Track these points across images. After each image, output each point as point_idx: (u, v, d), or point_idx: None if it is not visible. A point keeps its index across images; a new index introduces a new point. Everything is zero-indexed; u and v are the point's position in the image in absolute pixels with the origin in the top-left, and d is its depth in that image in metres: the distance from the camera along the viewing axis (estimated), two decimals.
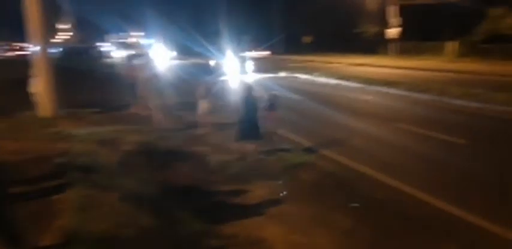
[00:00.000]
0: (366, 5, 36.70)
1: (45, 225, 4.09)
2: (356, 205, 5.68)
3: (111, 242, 3.96)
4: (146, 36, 55.01)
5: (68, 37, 53.61)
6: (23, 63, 13.74)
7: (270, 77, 22.17)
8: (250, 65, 25.05)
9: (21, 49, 45.23)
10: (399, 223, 5.17)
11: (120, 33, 50.14)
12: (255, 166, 7.26)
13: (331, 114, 12.12)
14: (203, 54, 36.34)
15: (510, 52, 25.65)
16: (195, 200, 5.79)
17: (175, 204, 5.35)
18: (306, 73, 23.26)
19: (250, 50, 44.91)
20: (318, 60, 34.04)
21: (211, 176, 6.78)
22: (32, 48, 11.24)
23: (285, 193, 6.12)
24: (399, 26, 30.32)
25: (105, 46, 50.16)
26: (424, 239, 4.74)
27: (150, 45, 54.14)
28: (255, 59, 29.70)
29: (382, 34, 34.23)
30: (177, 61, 35.99)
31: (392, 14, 31.05)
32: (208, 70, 23.72)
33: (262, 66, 25.76)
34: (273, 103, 7.92)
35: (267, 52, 41.71)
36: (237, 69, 23.60)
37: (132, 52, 42.47)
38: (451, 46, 28.98)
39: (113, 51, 44.04)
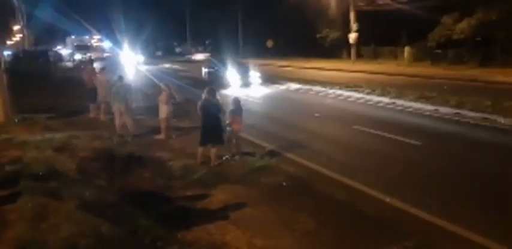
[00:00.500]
0: (328, 10, 37.50)
1: None
2: (317, 205, 5.78)
3: None
4: (104, 39, 53.70)
5: (19, 38, 51.35)
6: None
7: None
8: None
9: None
10: (359, 223, 5.30)
11: (80, 36, 48.58)
12: (218, 171, 7.24)
13: (292, 117, 12.28)
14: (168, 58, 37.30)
15: (461, 57, 26.98)
16: (156, 206, 5.68)
17: (136, 211, 5.23)
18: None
19: (194, 53, 45.58)
20: (278, 64, 34.46)
21: (173, 182, 6.70)
22: None
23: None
24: (357, 31, 31.21)
25: (65, 49, 48.50)
26: (382, 238, 4.88)
27: (110, 48, 52.87)
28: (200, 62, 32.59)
29: (343, 39, 35.07)
30: (146, 67, 33.83)
31: (351, 20, 31.90)
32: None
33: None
34: (238, 108, 7.92)
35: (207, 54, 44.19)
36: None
37: (93, 55, 41.34)
38: (407, 51, 30.11)
39: (73, 54, 42.59)
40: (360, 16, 31.85)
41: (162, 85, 9.76)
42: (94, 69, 14.00)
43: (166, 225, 4.95)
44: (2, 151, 7.03)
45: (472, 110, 11.86)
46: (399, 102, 14.02)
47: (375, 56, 34.34)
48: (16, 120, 10.54)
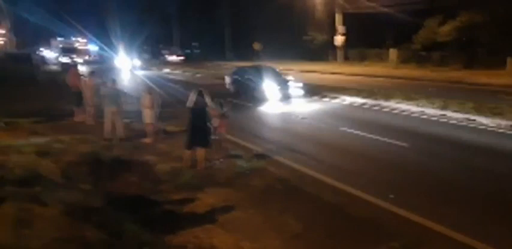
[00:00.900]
0: (314, 12, 37.75)
1: None
2: (305, 207, 5.78)
3: None
4: (90, 42, 53.09)
5: (2, 42, 50.41)
6: None
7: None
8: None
9: None
10: (347, 224, 5.32)
11: (65, 38, 47.91)
12: (206, 174, 7.20)
13: (280, 120, 12.30)
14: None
15: (445, 59, 27.39)
16: (143, 210, 5.62)
17: (122, 215, 5.16)
18: None
19: (167, 55, 45.32)
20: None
21: (160, 186, 6.63)
22: None
23: None
24: (343, 34, 31.48)
25: (50, 52, 47.77)
26: (370, 239, 4.90)
27: (96, 52, 52.24)
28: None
29: (329, 41, 35.32)
30: (143, 72, 31.07)
31: (338, 22, 32.16)
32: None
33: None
34: (226, 111, 7.90)
35: (181, 58, 45.63)
36: None
37: (79, 58, 40.74)
38: (393, 53, 30.46)
39: (58, 57, 41.89)
40: (346, 19, 32.17)
41: (144, 88, 9.68)
42: (79, 72, 13.83)
43: (153, 229, 4.90)
44: None
45: (457, 111, 12.02)
46: (385, 103, 14.15)
47: (362, 58, 34.64)
48: (3, 125, 10.34)
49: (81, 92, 12.12)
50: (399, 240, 4.80)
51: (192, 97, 7.54)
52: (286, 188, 6.57)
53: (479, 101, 12.98)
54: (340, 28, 31.74)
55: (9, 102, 13.40)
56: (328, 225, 5.32)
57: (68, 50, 43.14)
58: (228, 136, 8.86)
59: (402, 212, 5.57)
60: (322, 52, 38.86)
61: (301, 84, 16.14)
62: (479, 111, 11.82)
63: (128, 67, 33.33)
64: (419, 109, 12.88)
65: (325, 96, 16.23)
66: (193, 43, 57.06)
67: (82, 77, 13.03)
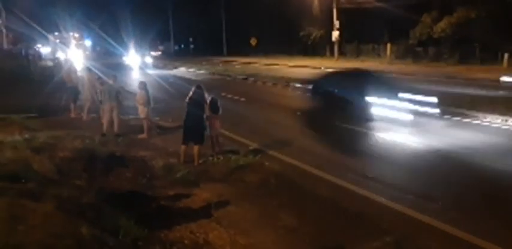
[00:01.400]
0: (311, 8, 37.69)
1: None
2: (300, 202, 5.79)
3: None
4: (85, 37, 52.70)
5: None
6: None
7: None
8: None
9: None
10: (342, 219, 5.33)
11: (60, 33, 47.43)
12: (201, 169, 7.19)
13: (275, 115, 12.28)
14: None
15: (440, 55, 27.45)
16: (138, 206, 5.61)
17: (117, 211, 5.14)
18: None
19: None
20: (263, 62, 34.45)
21: (155, 181, 6.62)
22: None
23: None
24: (338, 29, 31.46)
25: (47, 48, 47.34)
26: (364, 234, 4.91)
27: (93, 47, 51.84)
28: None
29: (326, 36, 35.27)
30: (156, 72, 28.19)
31: (334, 17, 32.11)
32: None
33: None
34: (217, 106, 7.87)
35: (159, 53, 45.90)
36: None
37: (75, 53, 40.26)
38: (389, 49, 30.47)
39: (55, 52, 41.45)
40: (342, 14, 32.13)
41: (139, 84, 9.63)
42: (74, 67, 13.76)
43: (148, 225, 4.88)
44: None
45: (451, 106, 12.01)
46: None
47: (358, 54, 34.65)
48: None
49: (77, 88, 12.07)
50: (394, 234, 4.82)
51: (190, 93, 7.54)
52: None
53: (475, 96, 13.00)
54: (336, 23, 31.71)
55: (4, 97, 13.31)
56: (323, 220, 5.32)
57: (64, 45, 42.70)
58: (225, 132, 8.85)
59: (399, 207, 5.57)
60: (319, 47, 38.84)
61: (434, 100, 10.83)
62: (474, 106, 11.82)
63: (138, 65, 31.50)
64: None
65: None
66: (189, 39, 56.88)
67: (78, 73, 12.97)
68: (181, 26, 53.50)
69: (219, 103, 7.90)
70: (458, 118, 10.95)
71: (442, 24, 26.51)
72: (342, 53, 34.88)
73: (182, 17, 51.11)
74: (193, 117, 7.51)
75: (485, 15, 24.49)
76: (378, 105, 10.56)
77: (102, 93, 9.79)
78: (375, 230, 4.97)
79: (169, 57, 45.34)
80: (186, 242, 4.71)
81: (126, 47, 38.82)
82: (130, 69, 30.46)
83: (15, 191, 4.72)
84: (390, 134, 9.41)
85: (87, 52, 47.37)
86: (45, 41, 47.56)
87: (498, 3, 23.97)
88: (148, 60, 34.91)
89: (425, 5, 27.63)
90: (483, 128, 10.02)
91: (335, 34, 31.86)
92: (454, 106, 11.71)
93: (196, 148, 7.47)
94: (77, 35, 50.00)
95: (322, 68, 25.64)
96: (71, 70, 13.06)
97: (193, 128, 7.48)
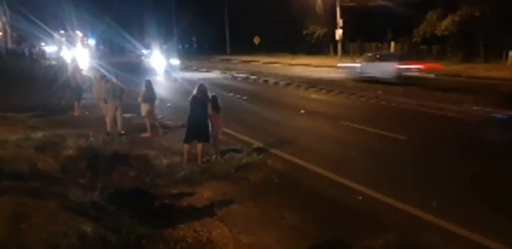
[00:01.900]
0: (314, 6, 37.61)
1: None
2: (303, 201, 5.78)
3: None
4: (89, 36, 52.80)
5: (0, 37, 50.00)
6: None
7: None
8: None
9: None
10: (345, 217, 5.32)
11: (66, 32, 47.41)
12: (204, 168, 7.19)
13: (278, 114, 12.26)
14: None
15: (444, 53, 27.34)
16: (141, 204, 5.62)
17: (121, 209, 5.15)
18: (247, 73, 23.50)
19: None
20: (264, 60, 34.42)
21: (158, 180, 6.62)
22: None
23: None
24: (341, 27, 31.37)
25: (52, 47, 47.36)
26: (367, 231, 4.89)
27: (96, 46, 51.90)
28: None
29: (329, 35, 35.19)
30: (186, 74, 24.05)
31: (337, 16, 32.00)
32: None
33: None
34: (218, 104, 7.86)
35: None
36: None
37: (81, 52, 40.16)
38: (392, 47, 30.37)
39: (59, 51, 41.39)
40: (346, 12, 31.99)
41: (143, 82, 9.63)
42: (78, 66, 13.78)
43: (152, 223, 4.89)
44: None
45: (455, 104, 11.98)
46: (384, 96, 14.12)
47: (361, 52, 34.56)
48: None
49: (81, 87, 12.10)
50: (397, 232, 4.80)
51: (194, 91, 7.54)
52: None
53: (478, 94, 12.93)
54: (339, 21, 31.62)
55: (8, 96, 13.36)
56: (326, 218, 5.31)
57: (70, 44, 42.52)
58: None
59: (401, 205, 5.57)
60: (322, 46, 38.76)
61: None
62: (478, 104, 11.76)
63: (163, 68, 26.64)
64: (418, 102, 12.84)
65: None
66: (193, 38, 56.85)
67: (82, 72, 13.00)
68: (184, 25, 53.51)
69: (219, 101, 7.90)
70: None
71: (446, 22, 26.37)
72: (346, 52, 34.80)
73: (185, 16, 51.10)
74: (197, 116, 7.50)
75: (490, 13, 24.35)
76: None
77: (106, 92, 9.80)
78: (379, 229, 4.95)
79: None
80: (189, 240, 4.72)
81: (142, 46, 36.89)
82: (154, 72, 25.14)
83: (19, 190, 4.74)
84: None
85: (91, 51, 47.43)
86: (50, 39, 47.58)
87: (502, 1, 23.81)
88: (175, 61, 29.20)
89: (429, 2, 27.50)
90: None
91: (338, 32, 31.75)
92: None
93: (200, 146, 7.46)
94: (80, 34, 50.09)
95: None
96: (76, 70, 13.09)
97: (198, 127, 7.47)
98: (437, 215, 5.21)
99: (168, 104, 9.94)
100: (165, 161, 7.42)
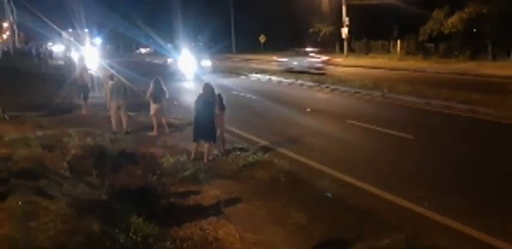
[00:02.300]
0: (320, 4, 37.46)
1: None
2: (309, 199, 5.78)
3: None
4: (97, 35, 52.87)
5: (6, 36, 50.12)
6: None
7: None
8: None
9: None
10: (351, 216, 5.31)
11: (75, 30, 47.36)
12: (211, 167, 7.22)
13: (285, 112, 12.26)
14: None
15: (451, 51, 27.14)
16: (148, 203, 5.66)
17: (128, 208, 5.20)
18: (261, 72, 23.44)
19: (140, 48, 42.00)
20: (270, 59, 34.30)
21: (165, 178, 6.65)
22: None
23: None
24: (347, 25, 31.25)
25: (59, 46, 47.46)
26: (374, 231, 4.89)
27: (102, 45, 51.94)
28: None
29: (335, 33, 35.04)
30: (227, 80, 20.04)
31: (343, 14, 31.89)
32: None
33: None
34: (223, 103, 7.89)
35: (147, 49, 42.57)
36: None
37: (89, 51, 40.04)
38: (399, 45, 30.20)
39: (68, 50, 41.31)
40: (352, 10, 31.86)
41: (152, 79, 9.64)
42: (85, 66, 13.86)
43: (159, 222, 4.92)
44: None
45: (462, 103, 11.91)
46: (390, 95, 14.06)
47: (367, 50, 34.41)
48: (7, 118, 10.42)
49: (88, 86, 12.19)
50: (403, 232, 4.80)
51: (201, 91, 7.56)
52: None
53: (485, 92, 12.86)
54: (345, 20, 31.51)
55: (16, 95, 13.47)
56: (332, 217, 5.31)
57: (79, 43, 42.21)
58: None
59: (407, 204, 5.56)
60: (328, 44, 38.60)
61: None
62: (485, 103, 11.71)
63: (193, 71, 22.10)
64: (424, 100, 12.78)
65: None
66: (199, 37, 56.85)
67: (89, 71, 13.08)
68: (189, 24, 53.51)
69: (224, 100, 7.93)
70: None
71: (453, 19, 26.17)
72: (352, 50, 34.65)
73: (190, 15, 51.06)
74: (204, 115, 7.51)
75: (497, 11, 24.13)
76: None
77: (109, 91, 9.83)
78: (386, 229, 4.95)
79: None
80: (196, 238, 4.74)
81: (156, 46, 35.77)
82: (183, 76, 21.23)
83: (28, 188, 4.80)
84: None
85: (98, 50, 47.54)
86: (58, 38, 47.63)
87: None
88: (207, 63, 24.95)
89: (436, 0, 27.31)
90: None
91: (344, 31, 31.64)
92: None
93: (206, 145, 7.49)
94: (83, 31, 50.07)
95: None
96: (83, 69, 13.17)
97: (204, 126, 7.48)
98: (447, 215, 5.19)
99: (175, 102, 9.95)
100: (171, 159, 7.45)
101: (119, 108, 9.62)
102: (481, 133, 9.11)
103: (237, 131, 9.38)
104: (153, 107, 9.41)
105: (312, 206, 5.61)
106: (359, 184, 6.34)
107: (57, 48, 46.45)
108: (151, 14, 50.45)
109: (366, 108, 12.74)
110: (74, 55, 32.36)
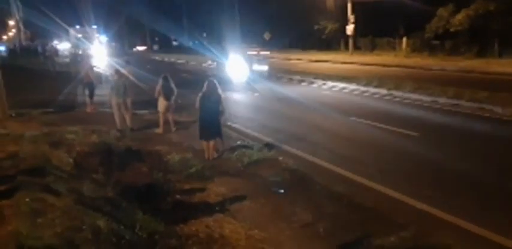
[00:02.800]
0: (325, 1, 37.30)
1: None
2: (315, 197, 5.77)
3: (64, 247, 3.81)
4: (101, 33, 53.00)
5: (12, 34, 50.25)
6: None
7: None
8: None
9: None
10: (357, 214, 5.29)
11: (82, 27, 47.26)
12: (216, 164, 7.22)
13: (289, 110, 12.24)
14: None
15: (457, 48, 26.93)
16: (154, 200, 5.67)
17: (133, 205, 5.21)
18: None
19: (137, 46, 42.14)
20: (277, 56, 34.20)
21: (171, 175, 6.66)
22: None
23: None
24: (352, 23, 31.09)
25: (65, 44, 47.53)
26: (380, 229, 4.87)
27: (108, 43, 52.03)
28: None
29: (340, 30, 34.89)
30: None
31: (349, 11, 31.74)
32: None
33: None
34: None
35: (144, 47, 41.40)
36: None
37: (97, 49, 39.88)
38: (404, 42, 30.01)
39: (74, 47, 41.18)
40: (357, 7, 31.69)
41: (161, 75, 9.61)
42: (91, 63, 13.92)
43: (164, 219, 4.94)
44: None
45: (469, 101, 11.82)
46: (397, 93, 13.99)
47: (373, 48, 34.24)
48: (13, 115, 10.50)
49: (93, 83, 12.23)
50: (409, 230, 4.77)
51: (204, 88, 7.52)
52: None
53: (493, 90, 12.75)
54: (351, 17, 31.36)
55: (22, 93, 13.55)
56: (338, 215, 5.29)
57: (86, 40, 41.94)
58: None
59: (413, 202, 5.53)
60: (333, 41, 38.46)
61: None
62: (492, 100, 11.60)
63: (242, 78, 18.18)
64: (431, 98, 12.71)
65: None
66: (203, 34, 56.92)
67: (95, 69, 13.12)
68: (195, 21, 53.52)
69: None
70: None
71: (460, 16, 25.94)
72: (357, 47, 34.50)
73: (196, 12, 51.06)
74: (208, 112, 7.49)
75: (504, 7, 23.90)
76: None
77: (110, 88, 9.81)
78: (393, 227, 4.93)
79: None
80: (201, 235, 4.74)
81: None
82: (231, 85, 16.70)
83: (34, 185, 4.83)
84: None
85: (103, 48, 47.66)
86: (65, 36, 47.67)
87: None
88: (262, 67, 19.73)
89: None
90: None
91: (350, 28, 31.49)
92: None
93: (212, 142, 7.48)
94: (90, 29, 50.21)
95: None
96: (89, 66, 13.22)
97: (210, 123, 7.47)
98: (454, 213, 5.16)
99: (179, 101, 9.95)
100: (177, 157, 7.46)
101: (119, 105, 9.60)
102: (488, 131, 9.04)
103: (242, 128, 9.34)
104: (161, 104, 9.39)
105: (317, 204, 5.60)
106: (365, 181, 6.31)
107: (63, 45, 46.57)
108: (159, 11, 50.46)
109: (373, 105, 12.68)
110: (83, 53, 32.26)
